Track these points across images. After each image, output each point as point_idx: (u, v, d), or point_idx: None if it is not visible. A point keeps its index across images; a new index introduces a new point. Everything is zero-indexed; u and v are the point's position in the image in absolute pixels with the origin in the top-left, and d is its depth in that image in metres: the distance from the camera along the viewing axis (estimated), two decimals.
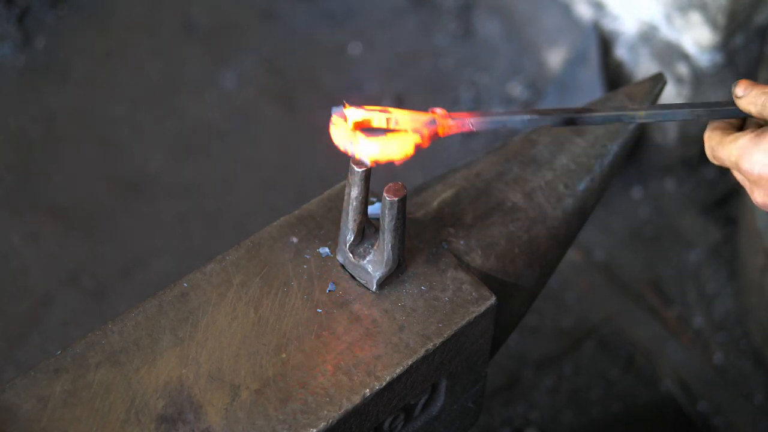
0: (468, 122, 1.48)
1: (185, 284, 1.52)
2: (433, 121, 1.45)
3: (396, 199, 1.45)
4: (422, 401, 1.58)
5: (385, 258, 1.50)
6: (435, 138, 1.45)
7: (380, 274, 1.51)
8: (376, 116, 1.45)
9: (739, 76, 3.05)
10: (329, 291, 1.52)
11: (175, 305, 1.50)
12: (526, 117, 1.50)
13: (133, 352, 1.45)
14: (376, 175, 1.51)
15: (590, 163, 1.78)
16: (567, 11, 3.30)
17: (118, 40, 3.54)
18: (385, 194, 1.45)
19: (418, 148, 1.44)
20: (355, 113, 1.44)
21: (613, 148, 1.81)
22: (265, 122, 3.37)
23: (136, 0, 3.64)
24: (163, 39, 3.55)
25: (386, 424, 1.53)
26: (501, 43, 3.51)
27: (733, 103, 1.47)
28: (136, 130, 3.33)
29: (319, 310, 1.50)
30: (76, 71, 3.45)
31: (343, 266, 1.55)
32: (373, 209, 1.53)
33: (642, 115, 1.50)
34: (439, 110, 1.49)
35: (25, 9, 3.56)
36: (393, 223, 1.47)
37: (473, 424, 1.72)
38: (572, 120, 1.51)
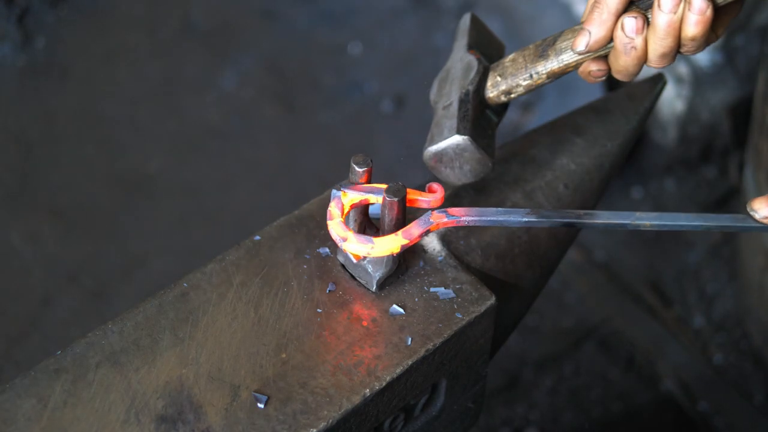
0: (463, 219, 1.48)
1: (185, 284, 1.52)
2: (427, 221, 1.46)
3: (396, 199, 1.45)
4: (422, 401, 1.58)
5: (385, 258, 1.50)
6: (425, 235, 1.47)
7: (380, 274, 1.51)
8: (373, 195, 1.46)
9: (739, 76, 3.05)
10: (329, 291, 1.52)
11: (175, 305, 1.50)
12: (524, 218, 1.49)
13: (133, 352, 1.45)
14: (376, 176, 1.51)
15: (590, 163, 1.78)
16: (567, 11, 3.30)
17: (118, 40, 3.54)
18: (385, 194, 1.45)
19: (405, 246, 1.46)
20: (351, 195, 1.45)
21: (613, 148, 1.81)
22: (265, 122, 3.37)
23: (136, 0, 3.64)
24: (163, 39, 3.55)
25: (386, 424, 1.53)
26: None
27: (746, 218, 1.48)
28: (136, 130, 3.33)
29: (319, 310, 1.50)
30: (76, 71, 3.45)
31: (343, 266, 1.55)
32: (374, 209, 1.53)
33: (648, 225, 1.50)
34: (436, 186, 1.50)
35: (25, 9, 3.56)
36: (393, 223, 1.47)
37: (473, 424, 1.71)
38: (572, 224, 1.50)
